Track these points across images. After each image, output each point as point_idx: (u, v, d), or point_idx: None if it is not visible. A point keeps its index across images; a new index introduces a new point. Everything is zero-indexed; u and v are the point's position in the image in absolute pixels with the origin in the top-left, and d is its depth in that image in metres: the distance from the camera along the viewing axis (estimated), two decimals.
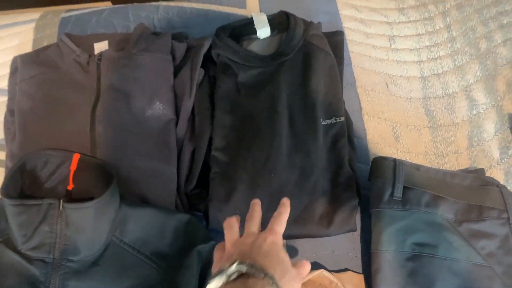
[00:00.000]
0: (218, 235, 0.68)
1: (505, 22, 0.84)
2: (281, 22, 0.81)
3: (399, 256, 0.61)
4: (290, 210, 0.66)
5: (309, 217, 0.67)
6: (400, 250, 0.61)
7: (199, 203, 0.70)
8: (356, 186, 0.69)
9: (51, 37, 0.89)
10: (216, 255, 0.53)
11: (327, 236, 0.67)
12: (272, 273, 0.44)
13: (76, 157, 0.67)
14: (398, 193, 0.64)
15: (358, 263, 0.67)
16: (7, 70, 0.82)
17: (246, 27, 0.81)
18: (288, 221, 0.66)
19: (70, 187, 0.67)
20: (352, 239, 0.68)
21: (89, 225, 0.61)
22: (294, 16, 0.80)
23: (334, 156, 0.70)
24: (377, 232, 0.63)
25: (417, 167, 0.66)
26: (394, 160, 0.66)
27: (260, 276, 0.43)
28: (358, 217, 0.69)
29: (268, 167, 0.69)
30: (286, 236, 0.67)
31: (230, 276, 0.44)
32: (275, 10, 0.83)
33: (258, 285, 0.43)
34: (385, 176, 0.65)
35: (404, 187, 0.64)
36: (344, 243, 0.68)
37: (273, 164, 0.69)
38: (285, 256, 0.49)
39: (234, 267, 0.44)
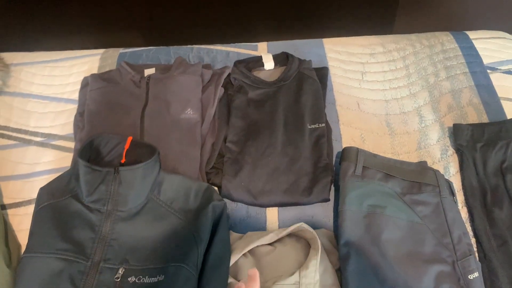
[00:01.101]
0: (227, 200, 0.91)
1: (448, 64, 1.11)
2: (282, 59, 1.11)
3: (358, 214, 0.83)
4: (282, 184, 0.90)
5: (295, 190, 0.90)
6: (359, 209, 0.83)
7: (214, 179, 0.95)
8: (330, 169, 0.92)
9: (112, 65, 1.17)
10: None
11: (309, 203, 0.90)
12: None
13: (129, 139, 0.89)
14: (359, 170, 0.87)
15: (330, 226, 0.88)
16: (77, 87, 1.10)
17: (256, 61, 1.11)
18: (280, 192, 0.90)
19: (123, 161, 0.88)
20: (326, 208, 0.90)
21: (137, 183, 0.80)
22: (292, 55, 1.09)
23: (315, 149, 0.95)
24: (342, 196, 0.85)
25: (375, 155, 0.91)
26: (357, 148, 0.90)
27: None
28: (332, 194, 0.92)
29: (266, 154, 0.94)
30: (278, 204, 0.90)
31: None
32: (278, 51, 1.12)
33: None
34: (350, 159, 0.89)
35: (363, 167, 0.88)
36: (321, 211, 0.90)
37: (270, 152, 0.94)
38: None
39: None
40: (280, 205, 0.91)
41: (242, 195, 0.90)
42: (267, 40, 1.24)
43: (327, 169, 0.92)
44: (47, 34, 1.49)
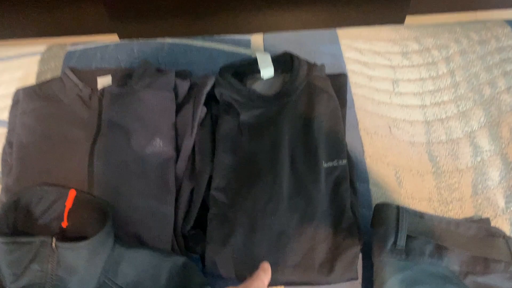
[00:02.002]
0: (214, 279, 0.66)
1: (508, 69, 0.83)
2: (285, 62, 0.81)
3: None
4: (291, 255, 0.64)
5: (310, 264, 0.64)
6: None
7: (196, 245, 0.68)
8: (358, 232, 0.67)
9: (55, 70, 0.88)
10: None
11: (328, 284, 0.64)
12: None
13: (72, 193, 0.66)
14: (401, 242, 0.61)
15: None
16: (9, 102, 0.81)
17: (249, 66, 0.81)
18: (289, 267, 0.64)
19: (64, 224, 0.65)
20: (353, 287, 0.65)
21: (82, 266, 0.58)
22: (297, 57, 0.80)
23: (336, 200, 0.68)
24: (379, 283, 0.60)
25: (421, 215, 0.64)
26: (398, 207, 0.64)
27: None
28: (359, 264, 0.66)
29: (268, 210, 0.67)
30: (285, 283, 0.65)
31: None
32: (279, 50, 0.83)
33: None
34: (388, 224, 0.63)
35: (407, 236, 0.62)
36: None
37: (273, 207, 0.67)
38: None
39: None
40: (288, 284, 0.65)
41: (239, 273, 0.65)
42: (262, 31, 0.94)
43: (353, 232, 0.65)
44: None
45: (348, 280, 0.64)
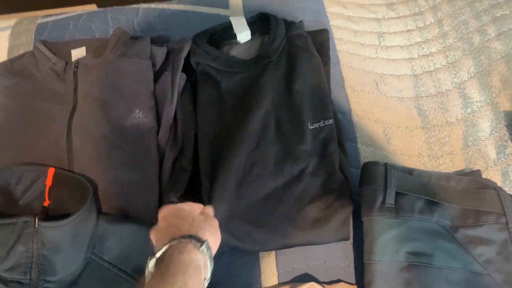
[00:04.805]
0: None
1: (498, 15, 0.80)
2: (261, 23, 0.79)
3: (393, 267, 0.58)
4: (280, 217, 0.64)
5: (301, 225, 0.63)
6: (394, 260, 0.58)
7: None
8: (350, 192, 0.65)
9: (27, 44, 0.85)
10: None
11: (320, 244, 0.64)
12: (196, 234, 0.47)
13: (51, 171, 0.65)
14: (390, 199, 0.60)
15: (351, 273, 0.64)
16: None
17: (225, 31, 0.79)
18: (280, 230, 0.63)
19: (46, 203, 0.65)
20: (344, 248, 0.65)
21: (66, 244, 0.58)
22: (274, 17, 0.78)
23: (324, 161, 0.67)
24: (369, 242, 0.60)
25: (410, 171, 0.63)
26: (385, 164, 0.62)
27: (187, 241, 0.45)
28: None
29: (254, 174, 0.66)
30: (279, 247, 0.64)
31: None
32: (259, 9, 0.80)
33: (187, 247, 0.44)
34: (376, 182, 0.62)
35: (397, 193, 0.61)
36: (336, 253, 0.64)
37: (258, 172, 0.66)
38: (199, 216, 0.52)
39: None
40: (282, 247, 0.65)
41: (224, 239, 0.64)
42: None
43: (344, 192, 0.64)
44: None
45: (340, 240, 0.64)
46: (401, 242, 0.59)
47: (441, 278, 0.57)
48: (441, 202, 0.61)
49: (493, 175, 0.68)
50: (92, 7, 1.18)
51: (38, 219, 0.57)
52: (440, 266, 0.58)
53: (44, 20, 0.89)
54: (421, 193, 0.61)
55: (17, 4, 1.25)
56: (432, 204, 0.61)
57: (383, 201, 0.61)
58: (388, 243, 0.59)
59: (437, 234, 0.59)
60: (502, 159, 0.69)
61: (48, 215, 0.64)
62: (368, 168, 0.64)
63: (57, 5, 1.25)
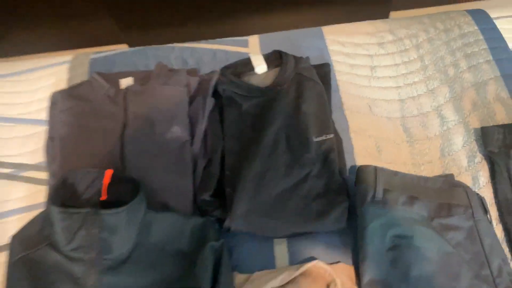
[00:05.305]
0: (227, 234, 0.79)
1: (469, 52, 0.97)
2: (275, 59, 0.95)
3: (381, 248, 0.72)
4: (290, 210, 0.78)
5: (307, 217, 0.78)
6: (381, 242, 0.72)
7: (213, 209, 0.82)
8: (347, 191, 0.80)
9: (82, 75, 1.02)
10: None
11: (324, 229, 0.77)
12: None
13: (108, 172, 0.78)
14: (379, 194, 0.75)
15: (349, 256, 0.77)
16: (45, 104, 0.95)
17: (245, 65, 0.95)
18: (290, 221, 0.77)
19: (103, 198, 0.78)
20: (344, 236, 0.78)
21: (122, 227, 0.70)
22: (285, 53, 0.95)
23: (326, 167, 0.82)
24: (361, 228, 0.74)
25: (395, 173, 0.78)
26: (375, 167, 0.78)
27: None
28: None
29: (268, 177, 0.81)
30: (289, 234, 0.78)
31: None
32: (274, 47, 0.97)
33: None
34: (367, 181, 0.77)
35: (384, 190, 0.76)
36: (336, 239, 0.78)
37: (271, 175, 0.81)
38: None
39: None
40: (289, 234, 0.79)
41: (245, 227, 0.79)
42: (258, 33, 1.08)
43: (342, 191, 0.79)
44: (5, 38, 1.32)
45: (338, 228, 0.78)
46: (387, 228, 0.73)
47: (420, 256, 0.70)
48: (420, 198, 0.76)
49: (465, 179, 0.83)
50: (124, 47, 1.35)
51: (99, 208, 0.69)
52: (419, 246, 0.71)
53: (96, 55, 1.06)
54: (403, 190, 0.76)
55: (62, 44, 1.43)
56: (412, 199, 0.75)
57: (373, 196, 0.75)
58: (377, 229, 0.73)
59: (416, 222, 0.74)
60: (472, 166, 0.84)
61: (104, 208, 0.78)
62: (361, 170, 0.79)
63: (93, 45, 1.43)
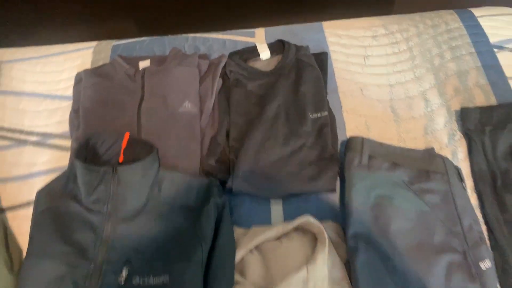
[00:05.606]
0: (230, 194, 0.89)
1: (454, 45, 1.07)
2: (278, 47, 1.07)
3: (365, 205, 0.80)
4: (286, 173, 0.87)
5: (301, 180, 0.87)
6: (365, 201, 0.81)
7: (216, 173, 0.92)
8: (337, 160, 0.89)
9: (105, 59, 1.14)
10: None
11: (315, 191, 0.87)
12: None
13: (126, 136, 0.87)
14: (365, 160, 0.85)
15: (337, 217, 0.85)
16: (70, 83, 1.07)
17: (252, 51, 1.07)
18: (286, 183, 0.86)
19: (120, 159, 0.87)
20: (333, 199, 0.88)
21: (136, 182, 0.79)
22: (287, 42, 1.06)
23: (319, 139, 0.91)
24: (348, 188, 0.83)
25: (381, 144, 0.88)
26: (362, 138, 0.87)
27: None
28: (337, 185, 0.89)
29: (267, 146, 0.91)
30: (284, 195, 0.87)
31: None
32: (278, 38, 1.08)
33: None
34: (355, 149, 0.86)
35: (369, 157, 0.85)
36: (327, 203, 0.87)
37: (271, 144, 0.91)
38: None
39: None
40: (284, 195, 0.88)
41: (245, 188, 0.88)
42: (264, 26, 1.19)
43: (333, 159, 0.89)
44: (37, 28, 1.45)
45: (329, 190, 0.87)
46: (371, 189, 0.82)
47: (399, 214, 0.79)
48: (402, 164, 0.85)
49: (445, 154, 0.91)
50: None
51: (116, 165, 0.78)
52: (399, 206, 0.80)
53: (117, 42, 1.18)
54: (387, 157, 0.85)
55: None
56: (395, 165, 0.85)
57: (359, 162, 0.85)
58: (362, 189, 0.82)
59: (397, 185, 0.83)
60: (452, 143, 0.93)
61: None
62: (350, 140, 0.89)
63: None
